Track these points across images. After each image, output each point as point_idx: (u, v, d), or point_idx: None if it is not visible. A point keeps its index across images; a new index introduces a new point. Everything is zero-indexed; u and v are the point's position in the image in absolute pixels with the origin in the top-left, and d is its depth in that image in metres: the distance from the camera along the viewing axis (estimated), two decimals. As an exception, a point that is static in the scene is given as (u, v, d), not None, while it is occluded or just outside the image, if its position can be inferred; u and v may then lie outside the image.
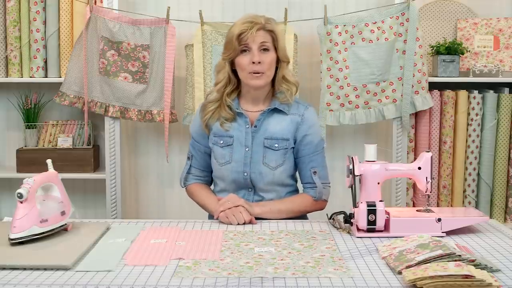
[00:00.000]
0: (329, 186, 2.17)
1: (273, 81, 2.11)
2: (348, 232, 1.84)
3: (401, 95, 2.88)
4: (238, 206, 1.95)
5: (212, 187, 2.26)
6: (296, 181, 2.20)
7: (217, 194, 2.18)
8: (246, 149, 2.09)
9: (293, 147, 2.11)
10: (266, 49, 2.03)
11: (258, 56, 2.01)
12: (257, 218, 1.98)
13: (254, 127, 2.10)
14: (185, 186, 2.24)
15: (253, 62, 2.01)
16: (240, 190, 2.12)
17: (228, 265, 1.52)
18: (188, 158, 2.22)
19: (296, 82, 2.13)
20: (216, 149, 2.12)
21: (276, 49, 2.06)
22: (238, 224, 1.93)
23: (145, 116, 2.93)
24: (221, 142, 2.11)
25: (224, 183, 2.14)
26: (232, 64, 2.08)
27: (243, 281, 1.40)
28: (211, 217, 2.16)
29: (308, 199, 2.11)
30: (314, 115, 2.15)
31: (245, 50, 2.03)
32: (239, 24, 2.03)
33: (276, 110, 2.11)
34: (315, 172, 2.10)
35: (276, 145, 2.08)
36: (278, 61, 2.08)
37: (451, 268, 1.34)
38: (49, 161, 1.83)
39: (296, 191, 2.19)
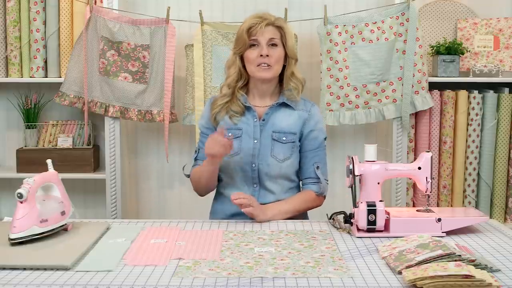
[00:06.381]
0: (328, 183, 2.18)
1: (281, 78, 2.14)
2: (348, 232, 1.84)
3: (401, 95, 2.88)
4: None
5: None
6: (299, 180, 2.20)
7: (223, 189, 2.18)
8: (255, 141, 2.11)
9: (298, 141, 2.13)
10: (274, 45, 2.08)
11: (267, 49, 2.06)
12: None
13: (262, 120, 2.13)
14: (189, 174, 2.20)
15: (261, 55, 2.05)
16: (244, 186, 2.12)
17: (228, 265, 1.51)
18: (195, 151, 2.22)
19: (303, 79, 2.17)
20: None
21: (284, 45, 2.10)
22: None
23: (145, 116, 2.93)
24: (230, 134, 2.11)
25: (230, 176, 2.14)
26: (242, 59, 2.12)
27: (243, 281, 1.40)
28: (211, 217, 2.17)
29: (311, 194, 2.12)
30: (319, 112, 2.21)
31: (254, 45, 2.08)
32: (249, 20, 2.09)
33: (284, 105, 2.14)
34: (318, 167, 2.12)
35: (284, 138, 2.11)
36: (286, 58, 2.12)
37: (451, 268, 1.34)
38: (49, 161, 1.83)
39: (298, 187, 2.19)
